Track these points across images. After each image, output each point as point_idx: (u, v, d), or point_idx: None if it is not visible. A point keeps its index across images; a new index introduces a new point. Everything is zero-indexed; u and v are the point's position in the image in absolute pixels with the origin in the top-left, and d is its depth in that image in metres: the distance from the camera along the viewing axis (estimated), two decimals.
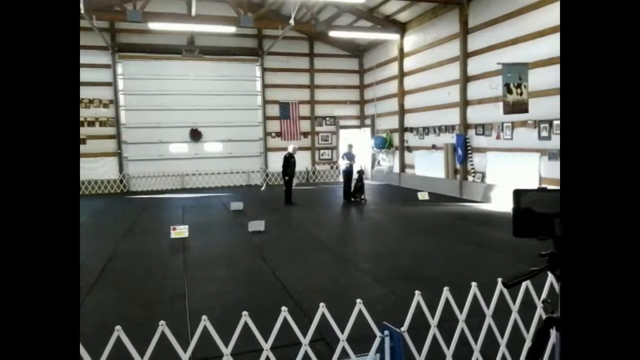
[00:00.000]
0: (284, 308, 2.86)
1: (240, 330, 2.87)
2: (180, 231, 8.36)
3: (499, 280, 2.86)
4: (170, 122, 17.48)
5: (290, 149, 13.07)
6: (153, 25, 13.80)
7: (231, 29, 14.68)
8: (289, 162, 12.85)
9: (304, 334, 2.90)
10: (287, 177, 12.88)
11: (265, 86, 18.80)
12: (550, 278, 3.18)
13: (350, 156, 13.40)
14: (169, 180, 17.58)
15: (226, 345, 2.87)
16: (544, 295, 3.04)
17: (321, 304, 2.90)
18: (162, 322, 2.79)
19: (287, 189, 12.94)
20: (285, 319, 2.89)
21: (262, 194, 15.53)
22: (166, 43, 17.10)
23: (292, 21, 13.47)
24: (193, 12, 14.11)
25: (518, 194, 1.85)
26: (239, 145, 18.47)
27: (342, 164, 13.61)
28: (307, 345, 2.87)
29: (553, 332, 1.86)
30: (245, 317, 2.87)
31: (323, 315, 2.90)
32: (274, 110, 18.91)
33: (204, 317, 2.87)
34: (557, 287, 2.02)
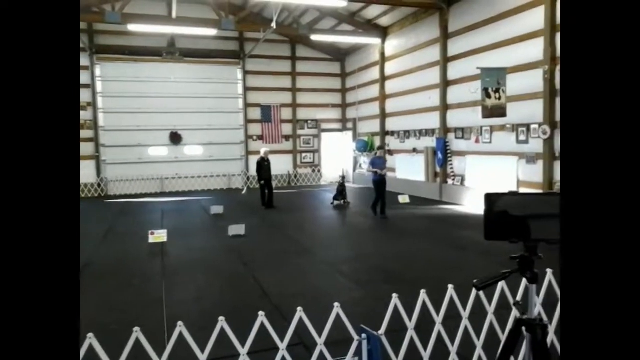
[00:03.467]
0: (261, 313, 2.84)
1: (217, 336, 2.84)
2: (159, 236, 8.23)
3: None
4: (150, 125, 17.26)
5: (262, 153, 13.03)
6: (132, 27, 13.62)
7: (212, 32, 14.58)
8: (262, 166, 12.81)
9: (283, 338, 2.88)
10: (262, 182, 12.83)
11: (246, 89, 18.72)
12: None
13: (377, 163, 11.06)
14: (148, 184, 17.33)
15: (202, 350, 2.83)
16: (518, 297, 3.07)
17: (299, 308, 2.88)
18: (136, 329, 2.74)
19: (262, 193, 12.90)
20: (263, 324, 2.87)
21: (242, 198, 15.42)
22: (146, 45, 16.90)
23: (274, 24, 13.44)
24: (174, 14, 13.96)
25: (489, 198, 1.87)
26: (220, 149, 18.33)
27: (370, 172, 11.12)
28: (285, 349, 2.85)
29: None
30: (221, 322, 2.84)
31: (303, 319, 2.89)
32: (256, 113, 18.82)
33: (180, 323, 2.83)
34: (529, 289, 2.04)
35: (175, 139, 17.72)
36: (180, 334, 2.82)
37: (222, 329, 2.85)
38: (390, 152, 16.82)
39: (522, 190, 10.64)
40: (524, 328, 1.93)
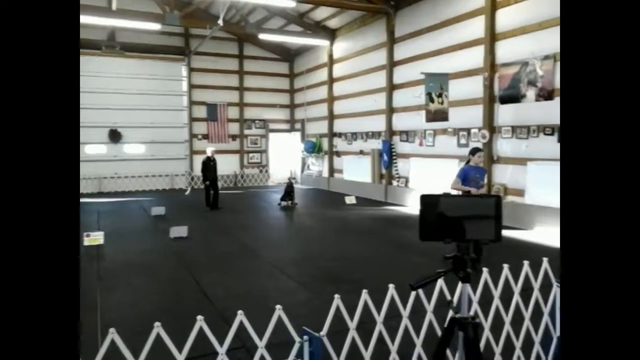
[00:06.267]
0: (199, 317, 2.74)
1: (154, 343, 2.71)
2: (95, 238, 7.80)
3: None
4: (87, 122, 16.33)
5: (208, 152, 12.75)
6: None
7: (156, 26, 14.08)
8: (207, 165, 12.52)
9: (225, 343, 2.79)
10: (207, 182, 12.54)
11: (191, 86, 18.23)
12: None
13: (472, 175, 6.87)
14: (84, 183, 16.44)
15: (136, 358, 2.68)
16: (455, 297, 3.16)
17: (239, 312, 2.81)
18: None
19: (207, 194, 12.60)
20: (202, 328, 2.77)
21: (186, 199, 14.99)
22: (83, 37, 16.01)
23: (220, 21, 13.18)
24: (114, 6, 13.35)
25: (425, 199, 1.90)
26: (163, 147, 17.72)
27: (456, 189, 6.85)
28: (224, 354, 2.76)
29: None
30: (157, 327, 2.71)
31: (244, 322, 2.82)
32: (201, 111, 18.38)
33: (112, 329, 2.67)
34: (462, 288, 2.09)
35: (115, 136, 16.96)
36: (113, 342, 2.66)
37: (159, 335, 2.73)
38: (338, 154, 16.98)
39: None
40: (456, 327, 1.98)
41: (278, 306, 2.88)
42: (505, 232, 8.41)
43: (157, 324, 2.71)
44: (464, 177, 6.86)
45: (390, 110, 13.86)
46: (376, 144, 14.57)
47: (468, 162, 7.03)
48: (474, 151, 7.00)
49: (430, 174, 12.24)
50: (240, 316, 2.80)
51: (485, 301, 3.49)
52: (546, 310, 3.57)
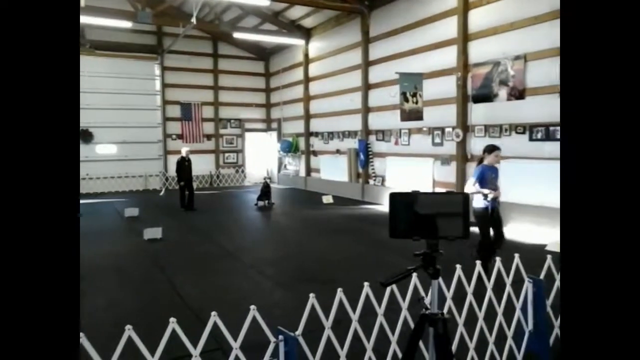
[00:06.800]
0: (172, 319, 2.69)
1: (127, 346, 2.65)
2: None
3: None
4: None
5: (183, 152, 12.59)
6: None
7: (127, 24, 13.78)
8: (182, 166, 12.37)
9: (199, 345, 2.75)
10: (182, 182, 12.38)
11: (165, 85, 17.94)
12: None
13: (487, 175, 5.98)
14: None
15: None
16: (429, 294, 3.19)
17: (213, 313, 2.77)
18: None
19: (182, 194, 12.45)
20: (175, 330, 2.72)
21: (160, 200, 14.75)
22: None
23: (193, 19, 13.00)
24: (82, 2, 12.99)
25: (394, 197, 1.91)
26: (136, 148, 17.37)
27: (477, 197, 5.90)
28: (198, 356, 2.72)
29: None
30: (129, 330, 2.65)
31: (219, 323, 2.79)
32: (175, 111, 18.11)
33: (82, 334, 2.60)
34: (432, 284, 2.11)
35: (86, 137, 16.54)
36: (82, 347, 2.59)
37: (131, 338, 2.67)
38: (315, 153, 16.98)
39: (437, 190, 11.22)
40: (427, 323, 1.99)
41: (252, 306, 2.86)
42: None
43: (128, 326, 2.65)
44: (481, 178, 5.91)
45: (366, 110, 13.93)
46: (352, 143, 14.62)
47: (481, 161, 6.11)
48: (491, 149, 5.99)
49: (406, 173, 12.36)
50: (214, 317, 2.76)
51: (460, 297, 3.54)
52: (518, 305, 3.64)
